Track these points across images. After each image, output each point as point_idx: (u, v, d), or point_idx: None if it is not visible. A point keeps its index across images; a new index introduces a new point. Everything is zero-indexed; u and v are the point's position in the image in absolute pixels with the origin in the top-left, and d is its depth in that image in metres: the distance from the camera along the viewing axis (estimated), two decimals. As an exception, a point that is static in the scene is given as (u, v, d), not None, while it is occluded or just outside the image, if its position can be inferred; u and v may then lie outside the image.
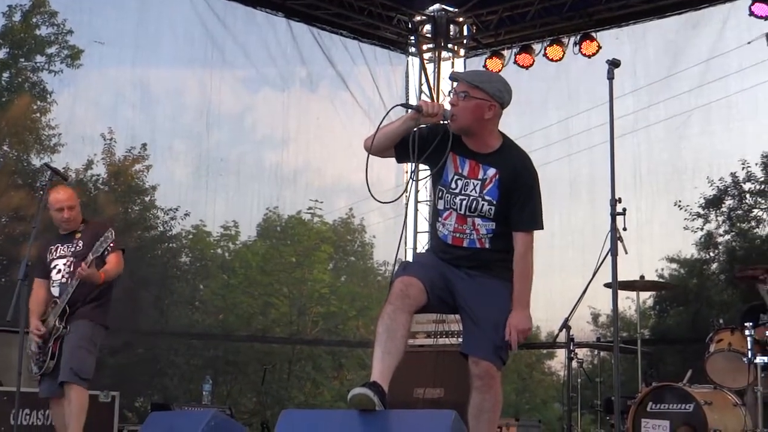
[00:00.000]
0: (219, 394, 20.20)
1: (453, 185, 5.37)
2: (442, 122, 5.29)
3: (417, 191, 14.31)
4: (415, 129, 5.30)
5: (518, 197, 5.33)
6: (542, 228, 5.44)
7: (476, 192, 5.33)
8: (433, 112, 5.22)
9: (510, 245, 5.40)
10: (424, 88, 14.58)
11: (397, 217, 13.87)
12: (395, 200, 5.48)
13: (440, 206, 5.44)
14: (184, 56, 14.02)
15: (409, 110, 5.30)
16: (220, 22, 13.34)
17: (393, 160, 5.54)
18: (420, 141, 5.29)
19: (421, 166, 5.45)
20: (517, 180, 5.33)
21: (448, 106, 5.34)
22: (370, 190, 5.26)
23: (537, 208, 5.42)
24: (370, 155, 5.33)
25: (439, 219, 5.45)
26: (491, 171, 5.33)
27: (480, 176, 5.34)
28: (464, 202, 5.34)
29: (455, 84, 5.43)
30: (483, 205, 5.31)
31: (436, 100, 14.37)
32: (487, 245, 5.38)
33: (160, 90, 14.81)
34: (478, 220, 5.34)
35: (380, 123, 5.28)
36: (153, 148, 16.86)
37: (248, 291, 25.12)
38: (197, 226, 22.80)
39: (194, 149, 14.71)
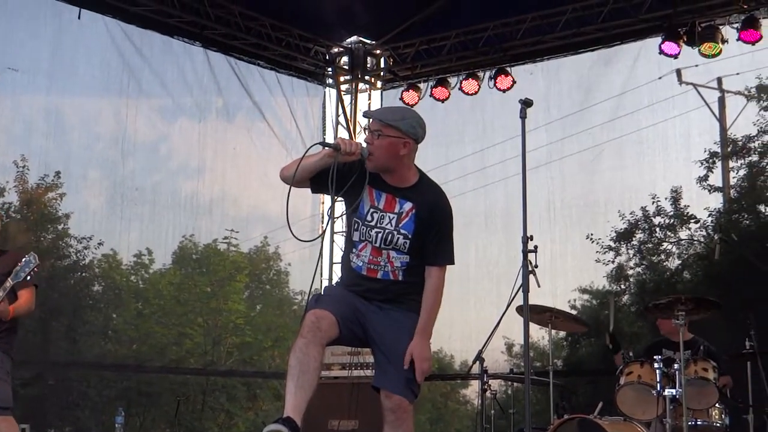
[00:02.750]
0: (132, 426, 19.94)
1: (369, 218, 5.41)
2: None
3: (333, 222, 14.31)
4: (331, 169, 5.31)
5: (433, 232, 5.40)
6: (454, 263, 5.51)
7: (392, 225, 5.38)
8: (351, 151, 5.25)
9: (421, 278, 5.46)
10: (341, 119, 14.63)
11: (313, 246, 13.82)
12: (314, 240, 5.50)
13: (355, 238, 5.47)
14: (100, 84, 13.89)
15: (327, 147, 5.31)
16: (137, 50, 13.25)
17: (309, 191, 5.56)
18: (338, 175, 5.29)
19: (337, 199, 5.48)
20: (432, 215, 5.41)
21: (364, 143, 5.38)
22: (291, 230, 5.28)
23: (451, 243, 5.52)
24: (289, 188, 5.33)
25: (354, 251, 5.49)
26: (407, 205, 5.39)
27: (396, 210, 5.40)
28: (380, 235, 5.38)
29: (370, 121, 5.48)
30: (398, 238, 5.37)
31: (353, 131, 14.43)
32: (400, 278, 5.43)
33: (75, 118, 14.66)
34: (392, 253, 5.40)
35: (300, 159, 5.28)
36: (67, 176, 16.62)
37: (162, 321, 24.89)
38: (110, 255, 22.56)
39: (109, 178, 14.57)
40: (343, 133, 14.55)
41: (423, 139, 5.52)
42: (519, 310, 7.24)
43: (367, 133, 5.45)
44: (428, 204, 5.42)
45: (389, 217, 5.40)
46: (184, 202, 15.22)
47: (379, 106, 5.69)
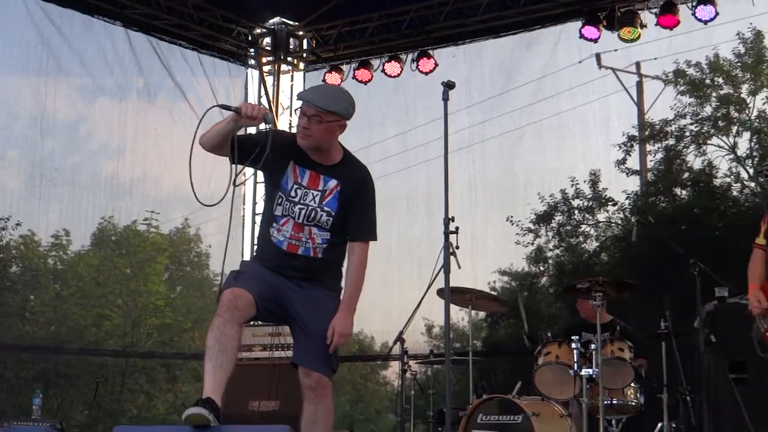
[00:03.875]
0: (49, 408, 19.73)
1: (293, 193, 5.41)
2: (266, 128, 5.32)
3: (255, 203, 14.26)
4: (238, 134, 5.33)
5: (357, 209, 5.45)
6: (377, 239, 5.58)
7: (315, 202, 5.40)
8: (253, 115, 5.24)
9: (341, 256, 5.54)
10: (263, 100, 14.54)
11: (234, 229, 13.79)
12: (215, 204, 5.44)
13: (278, 212, 5.45)
14: (19, 63, 13.68)
15: (231, 112, 5.29)
16: (57, 29, 13.05)
17: (227, 170, 5.52)
18: (250, 146, 5.33)
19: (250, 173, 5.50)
20: (356, 192, 5.47)
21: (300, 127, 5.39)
22: (195, 193, 5.30)
23: (374, 219, 5.59)
24: (201, 140, 5.31)
25: (275, 225, 5.47)
26: (332, 183, 5.43)
27: (320, 187, 5.42)
28: (303, 212, 5.39)
29: (302, 104, 5.44)
30: (322, 215, 5.39)
31: (275, 113, 14.32)
32: (320, 255, 5.45)
33: (-8, 98, 14.45)
34: (314, 230, 5.41)
35: (200, 120, 5.25)
36: (-16, 156, 16.39)
37: (81, 302, 24.66)
38: (27, 236, 22.28)
39: (27, 158, 14.39)
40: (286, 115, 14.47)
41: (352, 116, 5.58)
42: (440, 292, 7.30)
43: (299, 114, 5.42)
44: (352, 181, 5.47)
45: (313, 194, 5.41)
46: (104, 182, 15.10)
47: (309, 87, 5.66)
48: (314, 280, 5.46)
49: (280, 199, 5.45)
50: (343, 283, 5.53)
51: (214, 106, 5.41)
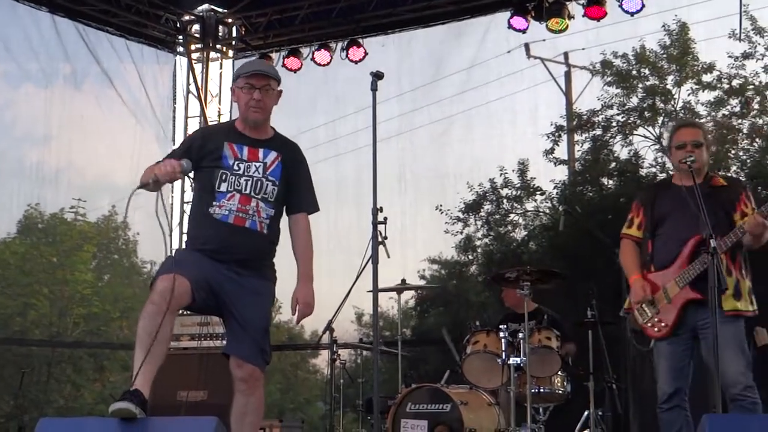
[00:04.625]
0: (-27, 399, 19.49)
1: (236, 167, 5.50)
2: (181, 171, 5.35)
3: (183, 191, 14.15)
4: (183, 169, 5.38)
5: (300, 180, 5.65)
6: (319, 209, 5.80)
7: (260, 173, 5.51)
8: (168, 174, 5.27)
9: (278, 237, 5.63)
10: (192, 88, 14.42)
11: (162, 217, 13.68)
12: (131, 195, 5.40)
13: (222, 188, 5.48)
14: (-61, 47, 13.44)
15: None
16: (-21, 13, 12.86)
17: (157, 157, 5.64)
18: (193, 154, 5.53)
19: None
20: (296, 164, 5.67)
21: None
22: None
23: (313, 191, 5.78)
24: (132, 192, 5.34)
25: (215, 203, 5.46)
26: (272, 154, 5.58)
27: (261, 159, 5.55)
28: (249, 183, 5.48)
29: (248, 78, 5.58)
30: (267, 185, 5.50)
31: (204, 100, 14.16)
32: (265, 230, 5.50)
33: None
34: (261, 204, 5.48)
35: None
36: None
37: (6, 291, 24.36)
38: (-52, 224, 21.95)
39: (-50, 145, 14.16)
40: (193, 102, 14.34)
41: None
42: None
43: (246, 89, 5.56)
44: (290, 153, 5.67)
45: (255, 165, 5.53)
46: (29, 170, 14.92)
47: (245, 63, 5.63)
48: (252, 267, 5.46)
49: (224, 175, 5.49)
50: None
51: (133, 193, 5.25)
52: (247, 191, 5.46)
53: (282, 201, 5.57)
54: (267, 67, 5.80)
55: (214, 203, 5.46)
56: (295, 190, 5.60)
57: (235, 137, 5.58)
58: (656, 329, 6.27)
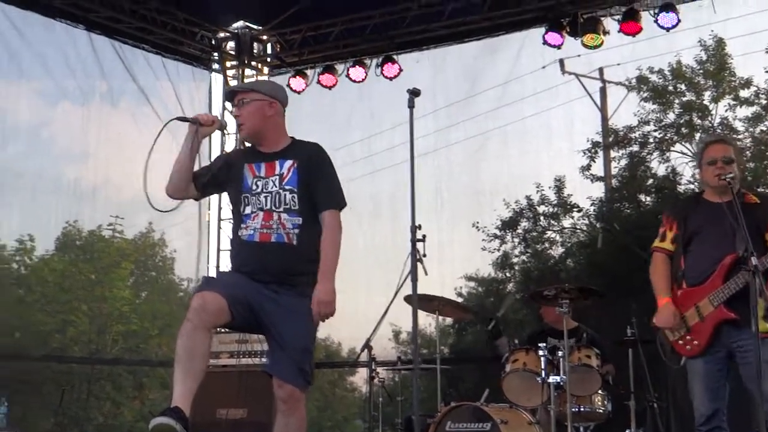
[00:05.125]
0: (14, 417, 19.54)
1: (254, 187, 5.46)
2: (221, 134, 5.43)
3: (220, 208, 14.18)
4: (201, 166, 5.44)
5: (318, 179, 5.49)
6: (346, 205, 5.59)
7: (276, 185, 5.44)
8: (209, 120, 5.45)
9: (315, 243, 5.42)
10: (228, 104, 14.45)
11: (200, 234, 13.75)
12: (175, 209, 5.47)
13: (247, 212, 5.46)
14: (-23, 66, 13.52)
15: (188, 125, 5.44)
16: (18, 32, 12.90)
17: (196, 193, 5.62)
18: (210, 176, 5.54)
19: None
20: (313, 163, 5.53)
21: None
22: (149, 200, 5.38)
23: (337, 186, 5.60)
24: (168, 190, 5.45)
25: (242, 225, 5.46)
26: (287, 163, 5.49)
27: (277, 172, 5.48)
28: (268, 198, 5.42)
29: (233, 101, 5.63)
30: (285, 195, 5.41)
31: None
32: (294, 241, 5.39)
33: (-51, 100, 14.27)
34: (284, 215, 5.39)
35: (156, 137, 5.34)
36: (-57, 161, 16.22)
37: (45, 308, 24.49)
38: (-11, 240, 22.13)
39: (-12, 163, 14.23)
40: (228, 119, 14.39)
41: (287, 101, 5.75)
42: (408, 299, 7.28)
43: (234, 110, 5.60)
44: (307, 155, 5.55)
45: (272, 180, 5.46)
46: (67, 187, 14.97)
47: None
48: (289, 284, 5.35)
49: (246, 198, 5.47)
50: None
51: (173, 120, 5.44)
52: (268, 206, 5.41)
53: (308, 205, 5.44)
54: (237, 85, 5.83)
55: (242, 225, 5.46)
56: (315, 191, 5.47)
57: (253, 157, 5.57)
58: (688, 347, 6.17)
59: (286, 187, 5.42)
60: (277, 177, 5.45)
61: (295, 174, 5.45)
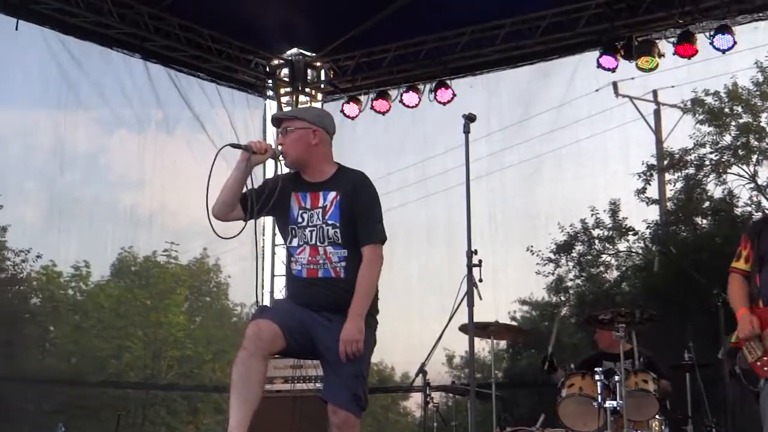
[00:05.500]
0: (71, 441, 19.72)
1: (299, 219, 5.44)
2: (275, 162, 5.39)
3: (274, 234, 14.26)
4: (249, 188, 5.39)
5: (359, 213, 5.42)
6: (385, 239, 5.49)
7: (320, 219, 5.40)
8: (262, 148, 5.37)
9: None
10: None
11: (254, 259, 13.81)
12: (233, 237, 5.48)
13: (294, 244, 5.46)
14: (38, 96, 13.71)
15: (240, 151, 5.39)
16: (76, 62, 13.06)
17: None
18: (258, 196, 5.40)
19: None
20: (355, 196, 5.45)
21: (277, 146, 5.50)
22: (211, 224, 5.34)
23: (378, 220, 5.52)
24: (213, 210, 5.40)
25: (293, 257, 5.48)
26: (331, 195, 5.44)
27: (320, 204, 5.44)
28: (313, 233, 5.40)
29: (279, 128, 5.61)
30: (328, 230, 5.38)
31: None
32: (342, 274, 5.39)
33: (10, 130, 14.50)
34: (329, 249, 5.39)
35: (211, 165, 5.29)
36: (4, 189, 16.45)
37: (101, 334, 24.70)
38: (47, 267, 22.34)
39: (46, 190, 14.41)
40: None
41: (334, 129, 5.68)
42: (463, 327, 7.27)
43: (278, 137, 5.60)
44: (350, 186, 5.47)
45: (316, 213, 5.43)
46: (122, 214, 15.08)
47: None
48: (342, 312, 5.33)
49: (293, 230, 5.47)
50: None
51: (226, 146, 5.45)
52: (313, 241, 5.40)
53: (352, 237, 5.40)
54: (281, 112, 5.79)
55: (291, 258, 5.49)
56: (356, 224, 5.42)
57: (300, 185, 5.52)
58: (766, 368, 6.08)
59: (329, 222, 5.39)
60: (321, 210, 5.42)
61: (338, 208, 5.41)
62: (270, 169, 13.48)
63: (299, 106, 14.61)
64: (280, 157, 5.41)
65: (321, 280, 5.40)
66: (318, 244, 5.39)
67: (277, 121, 5.71)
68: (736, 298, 6.33)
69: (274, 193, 5.39)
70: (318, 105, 14.70)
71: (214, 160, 5.28)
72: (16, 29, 12.08)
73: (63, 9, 12.08)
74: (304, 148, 5.46)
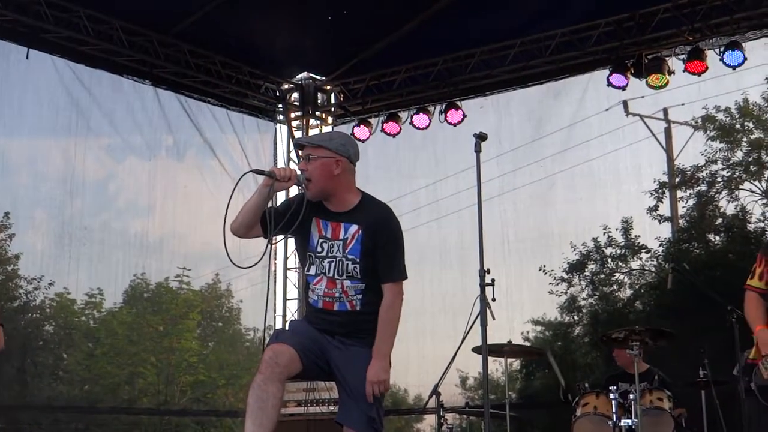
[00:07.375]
0: (85, 468, 19.70)
1: (319, 249, 5.39)
2: (298, 188, 5.33)
3: (286, 258, 14.27)
4: (270, 206, 5.30)
5: (382, 249, 5.35)
6: (406, 277, 5.44)
7: (340, 252, 5.34)
8: (286, 176, 5.22)
9: (376, 302, 5.39)
10: (293, 155, 14.57)
11: (265, 283, 13.78)
12: (254, 266, 5.45)
13: (311, 272, 5.43)
14: (48, 124, 13.69)
15: (263, 177, 5.30)
16: (86, 89, 13.10)
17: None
18: (277, 216, 5.30)
19: (277, 240, 5.46)
20: (378, 232, 5.36)
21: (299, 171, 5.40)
22: (228, 255, 5.22)
23: (400, 257, 5.45)
24: (232, 228, 5.33)
25: (310, 285, 5.46)
26: (353, 228, 5.35)
27: (341, 236, 5.36)
28: (332, 265, 5.35)
29: (301, 152, 5.53)
30: (347, 264, 5.33)
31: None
32: (358, 307, 5.37)
33: (21, 158, 14.48)
34: (347, 282, 5.35)
35: (231, 194, 5.23)
36: (15, 216, 16.46)
37: (114, 361, 24.65)
38: (61, 294, 22.32)
39: (57, 218, 14.36)
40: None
41: (357, 157, 5.53)
42: (476, 350, 7.23)
43: (301, 162, 5.46)
44: (373, 221, 5.38)
45: (336, 244, 5.36)
46: (133, 240, 15.06)
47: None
48: (357, 337, 5.37)
49: (311, 258, 5.42)
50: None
51: (249, 172, 5.42)
52: (331, 274, 5.35)
53: (372, 272, 5.34)
54: (304, 138, 5.70)
55: (309, 285, 5.47)
56: (377, 260, 5.34)
57: (322, 212, 5.42)
58: None
59: (349, 257, 5.32)
60: (342, 242, 5.35)
61: (359, 243, 5.33)
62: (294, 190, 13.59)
63: (310, 130, 14.64)
64: (302, 185, 5.33)
65: (336, 312, 5.39)
66: (336, 277, 5.35)
67: (299, 145, 5.65)
68: (753, 316, 6.32)
69: (296, 216, 5.29)
70: (328, 129, 14.74)
71: (234, 188, 5.20)
72: (27, 58, 12.15)
73: (73, 37, 12.15)
74: (326, 179, 5.32)
